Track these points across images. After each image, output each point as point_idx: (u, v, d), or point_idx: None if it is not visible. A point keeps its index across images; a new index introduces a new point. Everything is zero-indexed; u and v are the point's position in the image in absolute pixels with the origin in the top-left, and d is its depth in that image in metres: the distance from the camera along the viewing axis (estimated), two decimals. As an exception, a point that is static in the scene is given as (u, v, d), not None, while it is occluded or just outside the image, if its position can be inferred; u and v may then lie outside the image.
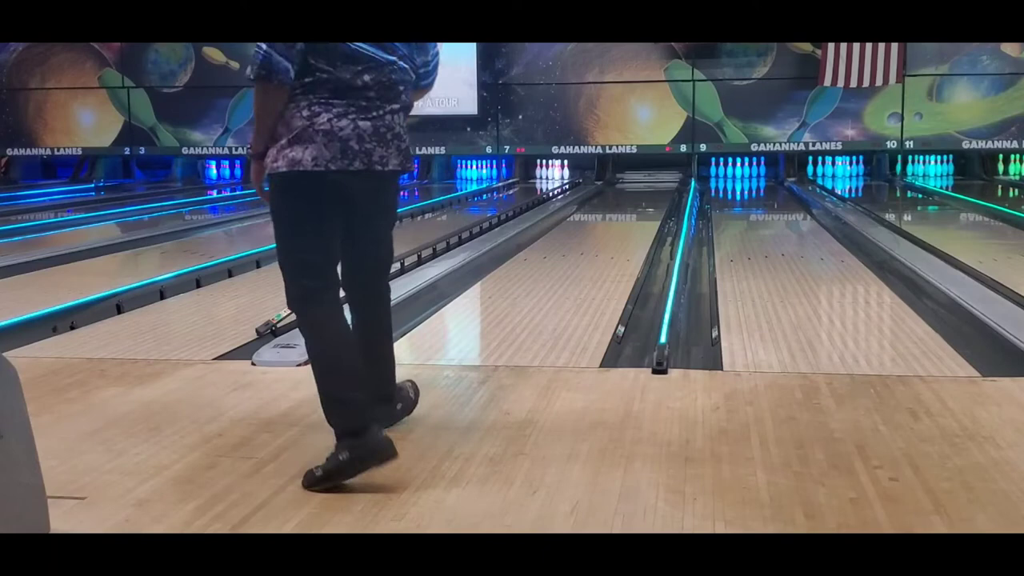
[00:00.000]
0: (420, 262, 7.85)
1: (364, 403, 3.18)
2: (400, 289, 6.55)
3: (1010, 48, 16.20)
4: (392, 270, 3.81)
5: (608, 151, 16.93)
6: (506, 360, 4.83)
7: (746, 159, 17.06)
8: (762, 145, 16.71)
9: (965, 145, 16.56)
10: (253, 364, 4.70)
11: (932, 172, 17.07)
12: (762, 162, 17.00)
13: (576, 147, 17.00)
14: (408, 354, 5.10)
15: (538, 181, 17.33)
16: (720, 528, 2.81)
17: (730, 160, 17.07)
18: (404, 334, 5.51)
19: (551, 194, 15.15)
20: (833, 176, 16.87)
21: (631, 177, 16.92)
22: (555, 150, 17.09)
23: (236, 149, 17.89)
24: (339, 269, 3.46)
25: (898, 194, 15.88)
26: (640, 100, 16.71)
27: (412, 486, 3.13)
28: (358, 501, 3.00)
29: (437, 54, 3.64)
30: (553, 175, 17.26)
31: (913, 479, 3.16)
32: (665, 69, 16.63)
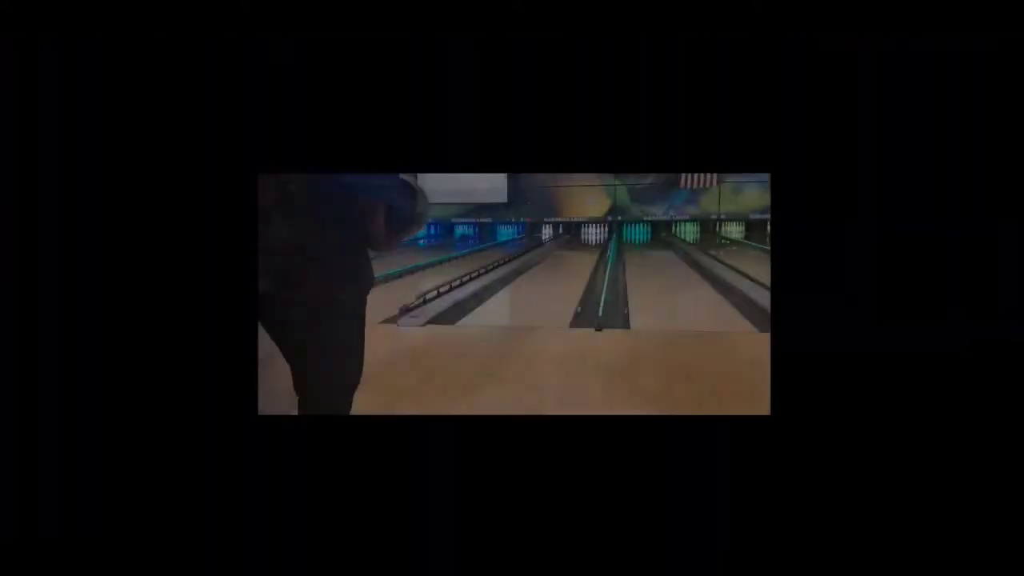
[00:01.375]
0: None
1: None
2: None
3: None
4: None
5: (574, 220, 16.62)
6: (520, 324, 4.89)
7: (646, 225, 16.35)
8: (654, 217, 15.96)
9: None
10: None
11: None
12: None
13: (556, 217, 16.70)
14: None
15: (541, 235, 17.08)
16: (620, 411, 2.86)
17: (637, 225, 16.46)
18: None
19: (544, 241, 14.97)
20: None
21: (585, 231, 16.66)
22: (546, 219, 16.83)
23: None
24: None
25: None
26: (589, 197, 16.11)
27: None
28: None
29: None
30: (547, 232, 17.03)
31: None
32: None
